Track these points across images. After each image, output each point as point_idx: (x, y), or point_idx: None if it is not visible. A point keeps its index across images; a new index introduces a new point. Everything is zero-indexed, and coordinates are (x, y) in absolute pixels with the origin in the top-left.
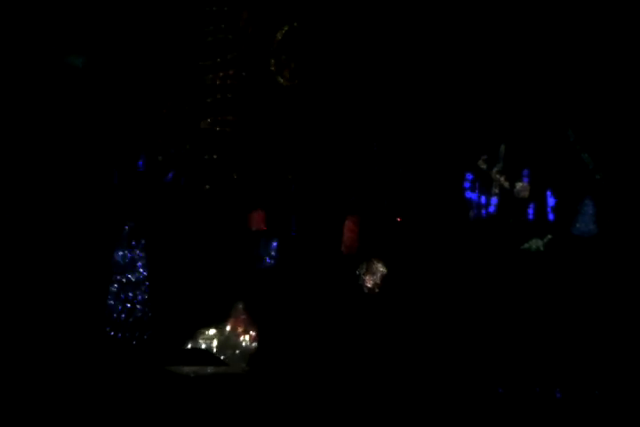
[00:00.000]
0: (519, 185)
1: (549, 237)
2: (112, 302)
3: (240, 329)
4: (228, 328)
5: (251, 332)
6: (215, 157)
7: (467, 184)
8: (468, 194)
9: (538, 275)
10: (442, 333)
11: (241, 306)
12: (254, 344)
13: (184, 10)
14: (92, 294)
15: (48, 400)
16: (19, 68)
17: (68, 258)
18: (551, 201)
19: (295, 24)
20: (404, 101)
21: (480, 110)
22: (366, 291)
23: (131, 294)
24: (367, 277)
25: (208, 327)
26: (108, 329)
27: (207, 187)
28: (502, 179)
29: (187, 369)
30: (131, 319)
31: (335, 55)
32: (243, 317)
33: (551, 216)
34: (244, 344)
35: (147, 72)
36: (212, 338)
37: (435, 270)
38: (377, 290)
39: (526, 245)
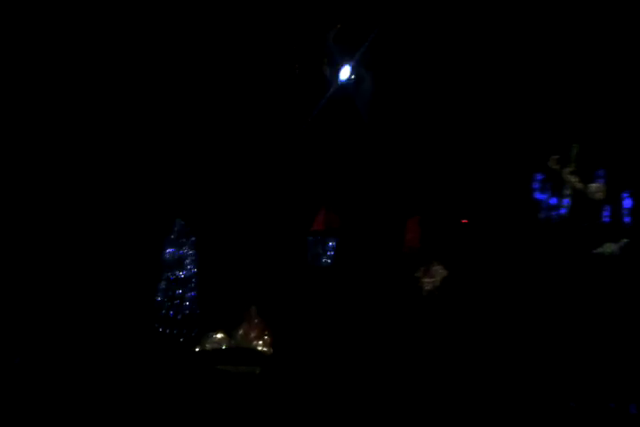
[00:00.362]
0: (593, 186)
1: (625, 240)
2: (161, 298)
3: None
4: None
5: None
6: (254, 152)
7: (536, 185)
8: (538, 195)
9: (612, 281)
10: (507, 340)
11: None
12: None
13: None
14: (141, 290)
15: (97, 391)
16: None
17: (119, 254)
18: (627, 203)
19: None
20: (472, 98)
21: (552, 107)
22: (425, 293)
23: (179, 291)
24: (426, 280)
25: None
26: (156, 325)
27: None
28: (575, 180)
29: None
30: (179, 316)
31: (397, 56)
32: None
33: (627, 219)
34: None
35: (195, 70)
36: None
37: (500, 275)
38: (436, 293)
39: (600, 250)
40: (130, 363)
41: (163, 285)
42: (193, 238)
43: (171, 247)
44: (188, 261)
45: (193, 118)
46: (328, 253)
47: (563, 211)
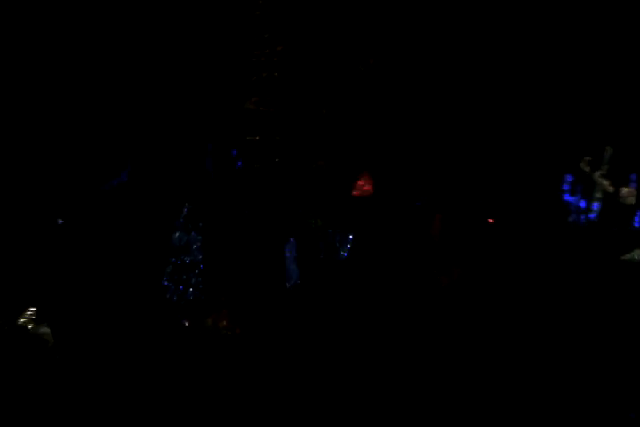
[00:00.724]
0: (625, 190)
1: None
2: (166, 283)
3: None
4: None
5: None
6: (257, 138)
7: (566, 187)
8: (567, 197)
9: None
10: (525, 343)
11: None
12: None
13: None
14: (147, 274)
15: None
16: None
17: (126, 239)
18: None
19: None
20: (506, 97)
21: (587, 108)
22: (441, 290)
23: (184, 277)
24: (443, 277)
25: None
26: (160, 310)
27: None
28: (606, 183)
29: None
30: (183, 302)
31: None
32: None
33: None
34: None
35: (193, 51)
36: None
37: (523, 277)
38: (452, 290)
39: (628, 256)
40: (133, 345)
41: (169, 269)
42: (201, 224)
43: (179, 232)
44: (194, 246)
45: (205, 105)
46: (345, 245)
47: (592, 215)
